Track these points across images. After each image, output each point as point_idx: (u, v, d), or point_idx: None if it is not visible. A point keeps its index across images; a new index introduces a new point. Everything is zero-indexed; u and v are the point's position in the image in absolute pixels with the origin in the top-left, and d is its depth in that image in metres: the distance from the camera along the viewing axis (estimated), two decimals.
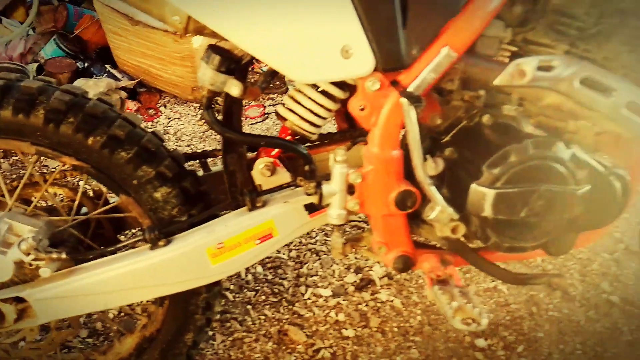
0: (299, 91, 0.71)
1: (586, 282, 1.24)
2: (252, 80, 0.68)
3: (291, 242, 1.32)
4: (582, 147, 0.72)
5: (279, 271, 1.25)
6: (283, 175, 0.75)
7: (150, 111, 2.00)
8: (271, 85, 1.92)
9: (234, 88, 0.62)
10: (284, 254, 1.29)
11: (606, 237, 1.40)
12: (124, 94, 1.96)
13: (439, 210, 0.66)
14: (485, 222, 0.65)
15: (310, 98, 0.71)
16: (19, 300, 0.69)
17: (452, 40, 0.60)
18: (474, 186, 0.63)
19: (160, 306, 0.82)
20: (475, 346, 1.06)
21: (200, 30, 0.58)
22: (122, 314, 1.11)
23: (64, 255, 0.68)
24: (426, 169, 0.69)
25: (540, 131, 0.66)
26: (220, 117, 0.72)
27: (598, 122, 0.68)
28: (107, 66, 2.05)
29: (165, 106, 2.03)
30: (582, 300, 1.18)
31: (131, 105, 1.98)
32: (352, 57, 0.59)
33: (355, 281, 1.21)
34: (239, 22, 0.55)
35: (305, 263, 1.27)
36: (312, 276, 1.23)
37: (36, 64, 2.07)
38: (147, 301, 0.83)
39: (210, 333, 1.07)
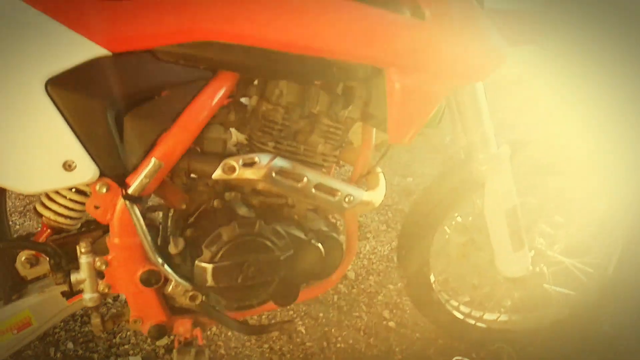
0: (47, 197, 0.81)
1: (371, 313, 1.48)
2: None
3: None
4: (299, 218, 0.93)
5: (90, 345, 1.28)
6: (43, 267, 0.83)
7: None
8: None
9: None
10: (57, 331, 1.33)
11: (393, 270, 1.67)
12: None
13: (173, 284, 0.80)
14: (213, 290, 0.81)
15: (63, 196, 0.81)
16: None
17: (161, 152, 0.75)
18: (197, 262, 0.79)
19: None
20: None
21: None
22: None
23: None
24: (169, 248, 0.83)
25: (252, 212, 0.84)
26: None
27: (302, 199, 0.89)
28: None
29: None
30: (365, 330, 1.41)
31: None
32: (75, 169, 0.71)
33: (167, 344, 1.30)
34: None
35: (119, 333, 1.32)
36: (124, 345, 1.29)
37: None
38: None
39: None
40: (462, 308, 1.38)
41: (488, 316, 1.38)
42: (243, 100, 0.90)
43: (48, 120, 0.68)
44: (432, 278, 1.32)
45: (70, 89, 0.69)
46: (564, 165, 1.17)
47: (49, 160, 0.69)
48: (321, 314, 1.44)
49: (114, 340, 1.30)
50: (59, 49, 0.69)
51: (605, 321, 1.42)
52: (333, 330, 1.39)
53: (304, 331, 1.37)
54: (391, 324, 1.44)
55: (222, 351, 1.28)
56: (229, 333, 1.33)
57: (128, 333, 1.32)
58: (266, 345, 1.31)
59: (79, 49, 0.69)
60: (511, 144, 1.06)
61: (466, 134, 1.01)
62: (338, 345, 1.34)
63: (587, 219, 1.28)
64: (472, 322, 1.37)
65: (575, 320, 1.36)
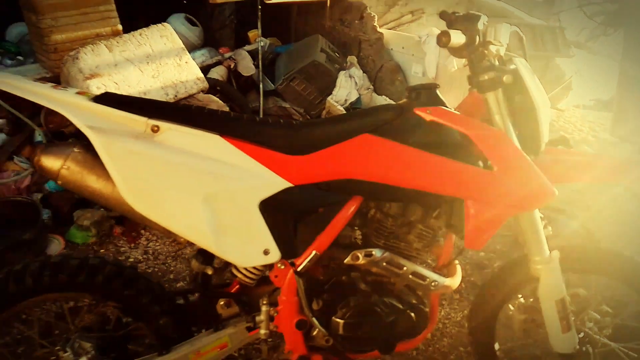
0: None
1: None
2: None
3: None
4: (398, 292, 1.33)
5: None
6: (234, 309, 1.31)
7: (132, 234, 2.52)
8: None
9: None
10: (236, 353, 1.79)
11: (464, 335, 1.99)
12: (112, 221, 2.50)
13: (317, 330, 1.23)
14: (342, 337, 1.23)
15: (247, 269, 1.29)
16: None
17: (318, 245, 1.21)
18: (333, 318, 1.22)
19: None
20: None
21: None
22: None
23: None
24: (312, 305, 1.27)
25: (368, 287, 1.26)
26: None
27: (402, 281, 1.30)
28: None
29: (145, 229, 2.57)
30: None
31: (118, 230, 2.50)
32: (269, 254, 1.18)
33: None
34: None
35: (251, 358, 1.78)
36: None
37: (40, 195, 2.60)
38: None
39: None
40: None
41: None
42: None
43: (259, 226, 1.17)
44: (496, 346, 1.64)
45: (272, 207, 1.18)
46: (606, 267, 1.46)
47: (257, 248, 1.17)
48: None
49: None
50: (267, 183, 1.17)
51: None
52: None
53: None
54: None
55: None
56: None
57: None
58: None
59: (278, 184, 1.18)
60: (560, 249, 1.40)
61: (525, 242, 1.36)
62: None
63: (631, 310, 1.54)
64: None
65: None
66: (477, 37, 1.10)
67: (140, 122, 1.11)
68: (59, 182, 1.10)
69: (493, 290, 1.58)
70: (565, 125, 4.62)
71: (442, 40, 1.06)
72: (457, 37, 1.07)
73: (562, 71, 4.58)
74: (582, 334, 1.50)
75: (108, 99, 1.12)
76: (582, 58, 5.15)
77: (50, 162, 1.09)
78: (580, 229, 2.58)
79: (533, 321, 1.59)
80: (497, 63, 1.20)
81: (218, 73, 3.35)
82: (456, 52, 1.15)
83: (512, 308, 1.64)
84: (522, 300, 1.64)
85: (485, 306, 1.58)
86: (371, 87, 3.60)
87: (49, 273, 1.18)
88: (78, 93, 1.13)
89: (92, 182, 1.10)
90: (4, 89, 1.08)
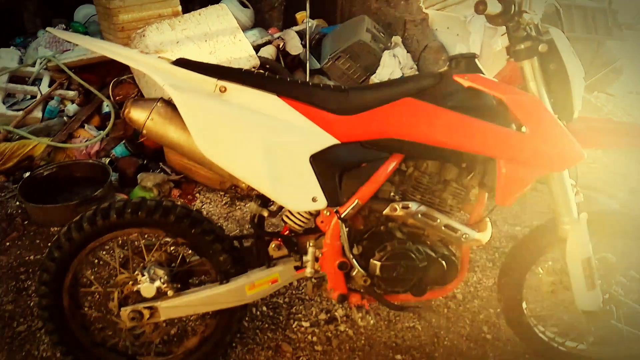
0: (290, 212, 1.47)
1: (473, 326, 1.93)
2: None
3: (285, 292, 2.03)
4: (431, 243, 1.47)
5: (277, 310, 1.94)
6: (284, 251, 1.49)
7: (188, 197, 2.76)
8: None
9: None
10: (280, 299, 1.99)
11: (495, 299, 2.10)
12: (171, 184, 2.75)
13: (356, 271, 1.39)
14: (379, 278, 1.38)
15: (300, 214, 1.47)
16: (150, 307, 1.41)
17: (360, 196, 1.36)
18: (371, 260, 1.37)
19: (214, 318, 1.53)
20: (394, 358, 1.73)
21: None
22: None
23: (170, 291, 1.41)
24: (353, 250, 1.43)
25: (404, 236, 1.40)
26: None
27: (435, 232, 1.43)
28: (160, 163, 2.85)
29: (199, 193, 2.80)
30: (467, 337, 1.87)
31: (176, 192, 2.75)
32: (317, 201, 1.35)
33: (325, 318, 1.90)
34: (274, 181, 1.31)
35: (294, 306, 1.97)
36: (297, 314, 1.92)
37: (108, 159, 2.88)
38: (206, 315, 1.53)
39: (233, 345, 1.75)
40: (547, 333, 1.77)
41: (569, 343, 1.75)
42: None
43: (310, 176, 1.33)
44: (524, 305, 1.75)
45: (321, 161, 1.33)
46: (634, 231, 1.53)
47: (307, 195, 1.34)
48: (434, 320, 1.93)
49: (291, 310, 1.94)
50: (318, 139, 1.33)
51: None
52: (442, 332, 1.88)
53: (420, 328, 1.88)
54: (488, 336, 1.87)
55: (362, 329, 1.85)
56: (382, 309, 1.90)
57: (300, 307, 1.96)
58: (399, 326, 1.85)
59: (327, 140, 1.33)
60: (589, 213, 1.48)
61: (554, 203, 1.46)
62: (445, 342, 1.83)
63: None
64: (555, 345, 1.75)
65: None
66: (513, 6, 1.21)
67: (211, 83, 1.29)
68: (144, 131, 1.30)
69: (523, 250, 1.68)
70: (615, 109, 4.51)
71: (480, 8, 1.18)
72: (494, 6, 1.18)
73: (613, 54, 4.46)
74: (607, 295, 1.59)
75: (184, 63, 1.31)
76: (637, 41, 4.97)
77: (138, 114, 1.29)
78: (620, 208, 2.60)
79: (560, 282, 1.68)
80: (533, 33, 1.29)
81: (267, 52, 3.53)
82: (493, 20, 1.26)
83: (541, 271, 1.74)
84: (550, 263, 1.74)
85: (515, 264, 1.69)
86: (414, 66, 3.68)
87: (130, 210, 1.40)
88: (160, 57, 1.32)
89: (172, 132, 1.29)
90: (100, 51, 1.29)
